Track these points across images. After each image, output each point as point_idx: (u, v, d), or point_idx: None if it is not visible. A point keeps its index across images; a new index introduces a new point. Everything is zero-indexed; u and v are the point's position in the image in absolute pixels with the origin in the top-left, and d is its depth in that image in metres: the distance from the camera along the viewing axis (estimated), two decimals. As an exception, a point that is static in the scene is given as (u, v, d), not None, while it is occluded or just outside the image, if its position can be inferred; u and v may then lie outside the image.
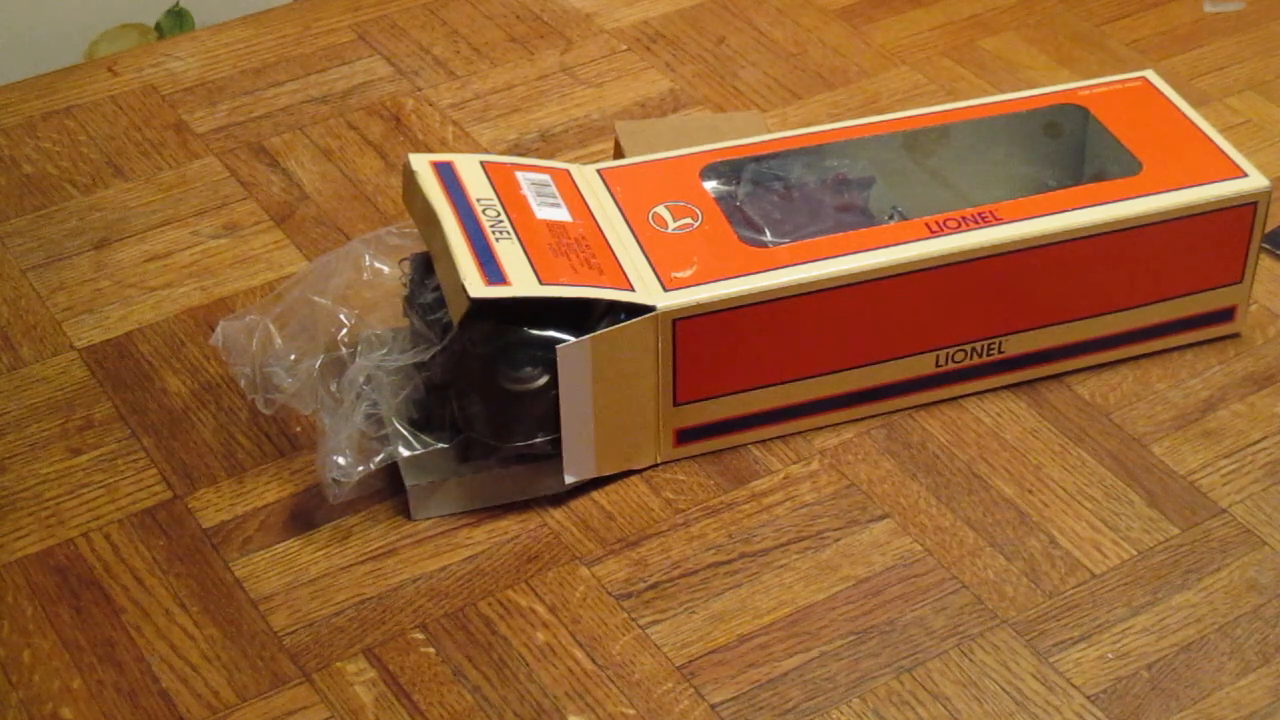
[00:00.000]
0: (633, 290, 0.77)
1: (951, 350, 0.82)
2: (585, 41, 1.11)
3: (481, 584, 0.76)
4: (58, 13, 1.10)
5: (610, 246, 0.79)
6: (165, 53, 1.11)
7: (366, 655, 0.73)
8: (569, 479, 0.79)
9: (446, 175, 0.81)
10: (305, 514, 0.79)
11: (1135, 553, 0.77)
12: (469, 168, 0.82)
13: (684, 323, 0.77)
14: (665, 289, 0.77)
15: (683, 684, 0.72)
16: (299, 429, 0.83)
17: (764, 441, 0.82)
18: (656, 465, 0.81)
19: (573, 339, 0.75)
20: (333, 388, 0.78)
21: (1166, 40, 1.11)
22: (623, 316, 0.76)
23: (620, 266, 0.78)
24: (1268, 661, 0.72)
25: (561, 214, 0.81)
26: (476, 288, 0.74)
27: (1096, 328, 0.84)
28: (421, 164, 0.82)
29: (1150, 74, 0.90)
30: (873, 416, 0.83)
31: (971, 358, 0.83)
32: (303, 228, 0.96)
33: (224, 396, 0.85)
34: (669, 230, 0.81)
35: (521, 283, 0.75)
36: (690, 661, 0.72)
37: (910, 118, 0.88)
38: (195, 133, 1.03)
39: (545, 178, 0.83)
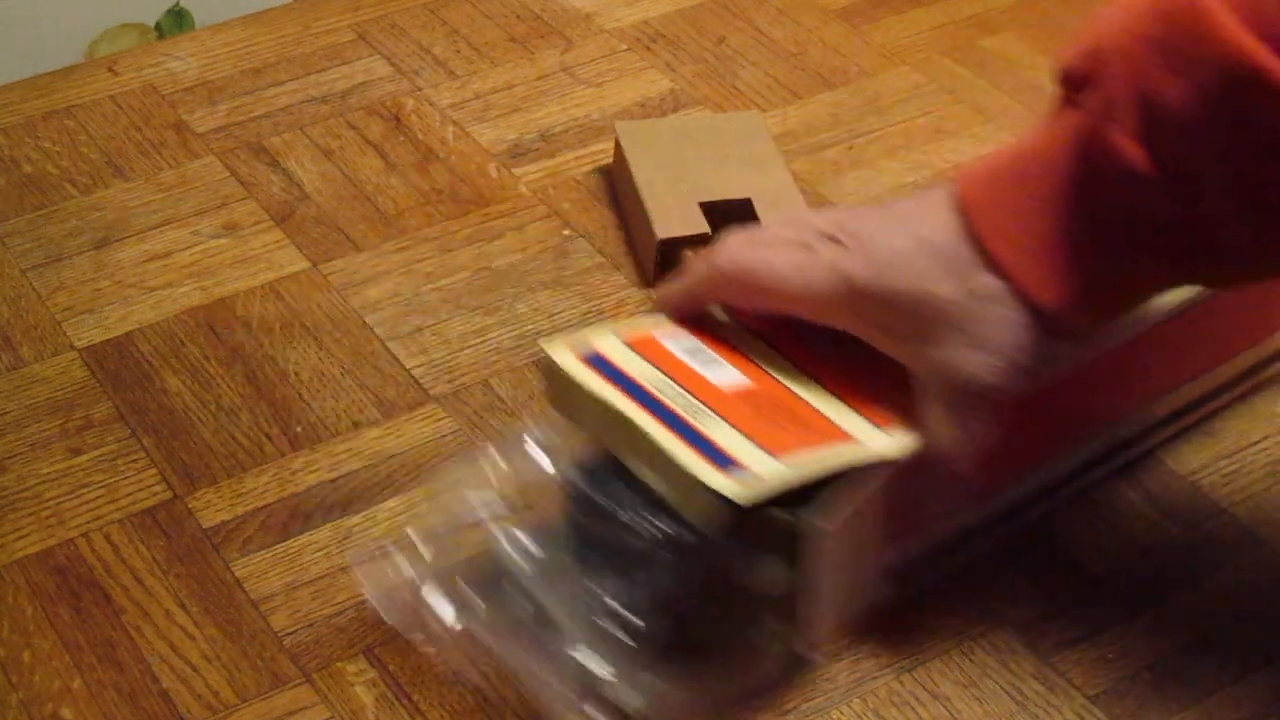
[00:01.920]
0: (858, 442, 0.69)
1: None
2: (585, 41, 1.11)
3: (482, 584, 0.76)
4: (58, 13, 1.10)
5: (801, 398, 0.71)
6: (165, 53, 1.11)
7: (367, 655, 0.73)
8: (811, 655, 0.72)
9: (599, 364, 0.71)
10: (305, 514, 0.79)
11: (1136, 553, 0.77)
12: (614, 348, 0.72)
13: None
14: (879, 428, 0.70)
15: (684, 683, 0.72)
16: (299, 429, 0.83)
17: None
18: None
19: (816, 517, 0.66)
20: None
21: (1167, 40, 1.11)
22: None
23: (827, 418, 0.70)
24: (1269, 662, 0.72)
25: (733, 374, 0.72)
26: (732, 488, 0.64)
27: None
28: (567, 359, 0.71)
29: None
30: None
31: None
32: (303, 228, 0.96)
33: (224, 396, 0.85)
34: (839, 364, 0.73)
35: (763, 466, 0.66)
36: (689, 661, 0.72)
37: None
38: (195, 133, 1.03)
39: (694, 342, 0.73)
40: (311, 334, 0.89)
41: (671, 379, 0.70)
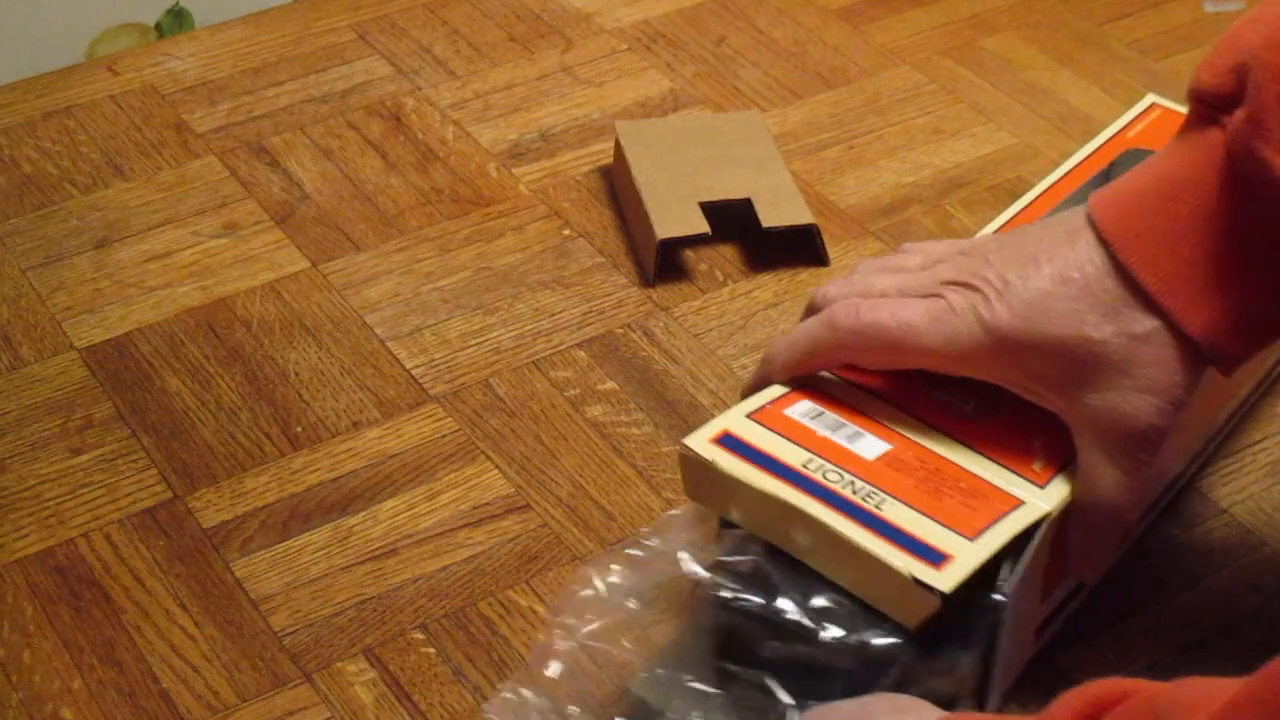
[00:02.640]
0: (1025, 503, 0.66)
1: None
2: (585, 41, 1.11)
3: (481, 584, 0.76)
4: (58, 13, 1.10)
5: (948, 459, 0.68)
6: (165, 53, 1.11)
7: (367, 655, 0.73)
8: None
9: (738, 448, 0.67)
10: (305, 514, 0.79)
11: (1136, 553, 0.77)
12: (747, 429, 0.68)
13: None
14: (1033, 482, 0.67)
15: (683, 684, 0.72)
16: (299, 429, 0.83)
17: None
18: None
19: (997, 588, 0.64)
20: None
21: (1166, 40, 1.11)
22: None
23: (984, 479, 0.67)
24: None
25: (875, 443, 0.68)
26: (937, 577, 0.62)
27: None
28: (706, 447, 0.67)
29: (1153, 96, 0.89)
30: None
31: None
32: (303, 228, 0.96)
33: (224, 396, 0.85)
34: (970, 415, 0.70)
35: (955, 548, 0.63)
36: (690, 662, 0.72)
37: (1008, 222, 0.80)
38: (195, 133, 1.03)
39: (818, 408, 0.70)
40: (311, 334, 0.89)
41: (818, 455, 0.67)
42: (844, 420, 0.69)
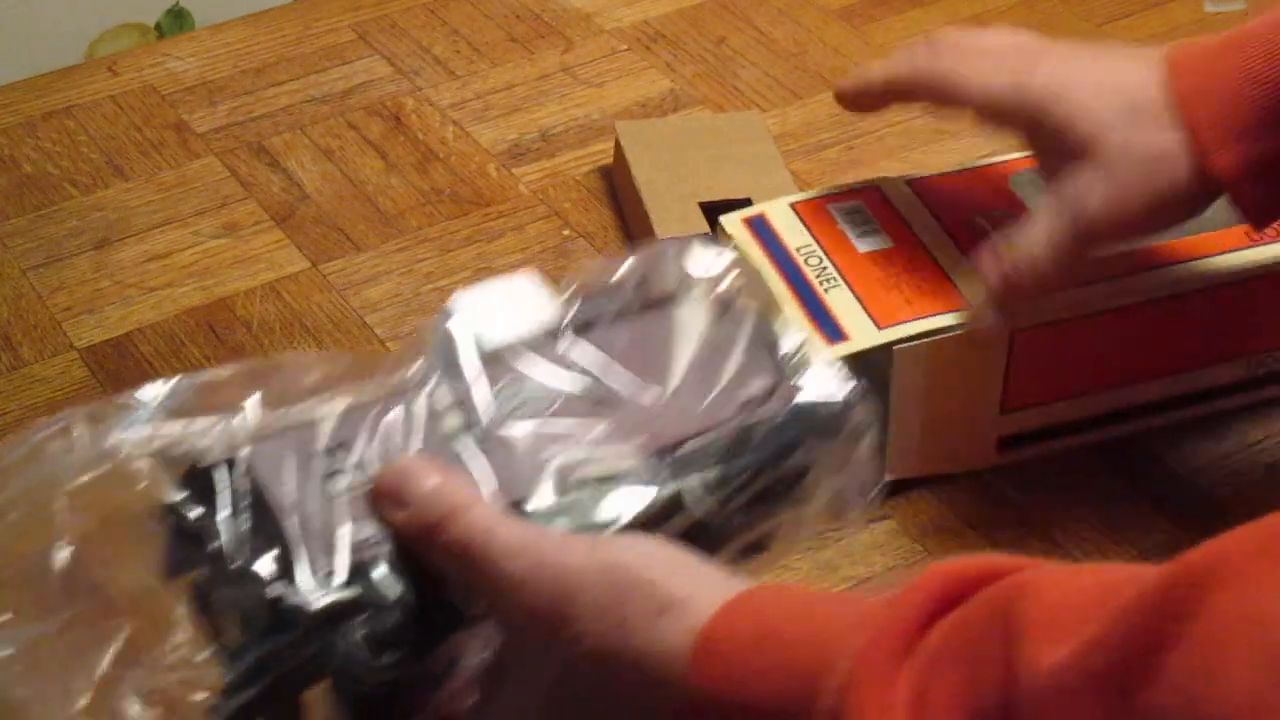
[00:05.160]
0: (963, 309, 0.76)
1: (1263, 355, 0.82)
2: (585, 41, 1.11)
3: (481, 584, 0.76)
4: (58, 13, 1.10)
5: (937, 265, 0.78)
6: (165, 53, 1.11)
7: (366, 655, 0.73)
8: (889, 476, 0.77)
9: (760, 229, 0.81)
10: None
11: (1135, 552, 0.77)
12: (779, 215, 0.82)
13: (1022, 334, 0.76)
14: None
15: (683, 684, 0.71)
16: (299, 429, 0.83)
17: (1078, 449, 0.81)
18: (978, 471, 0.80)
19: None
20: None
21: (1167, 40, 1.10)
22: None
23: (952, 285, 0.77)
24: (1268, 662, 0.72)
25: (883, 242, 0.80)
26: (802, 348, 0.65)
27: None
28: (735, 224, 0.81)
29: None
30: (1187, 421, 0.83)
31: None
32: (303, 228, 0.96)
33: (224, 396, 0.85)
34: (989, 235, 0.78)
35: (860, 332, 0.75)
36: (690, 662, 0.72)
37: None
38: (195, 133, 1.03)
39: (858, 204, 0.81)
40: (311, 334, 0.89)
41: (818, 243, 0.79)
42: (871, 218, 0.80)
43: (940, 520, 0.78)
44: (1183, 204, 0.71)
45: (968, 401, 0.78)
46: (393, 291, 0.92)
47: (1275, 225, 0.79)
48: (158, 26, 1.14)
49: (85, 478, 0.58)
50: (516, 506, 0.57)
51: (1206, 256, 0.79)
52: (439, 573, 0.56)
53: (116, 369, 0.87)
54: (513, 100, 1.06)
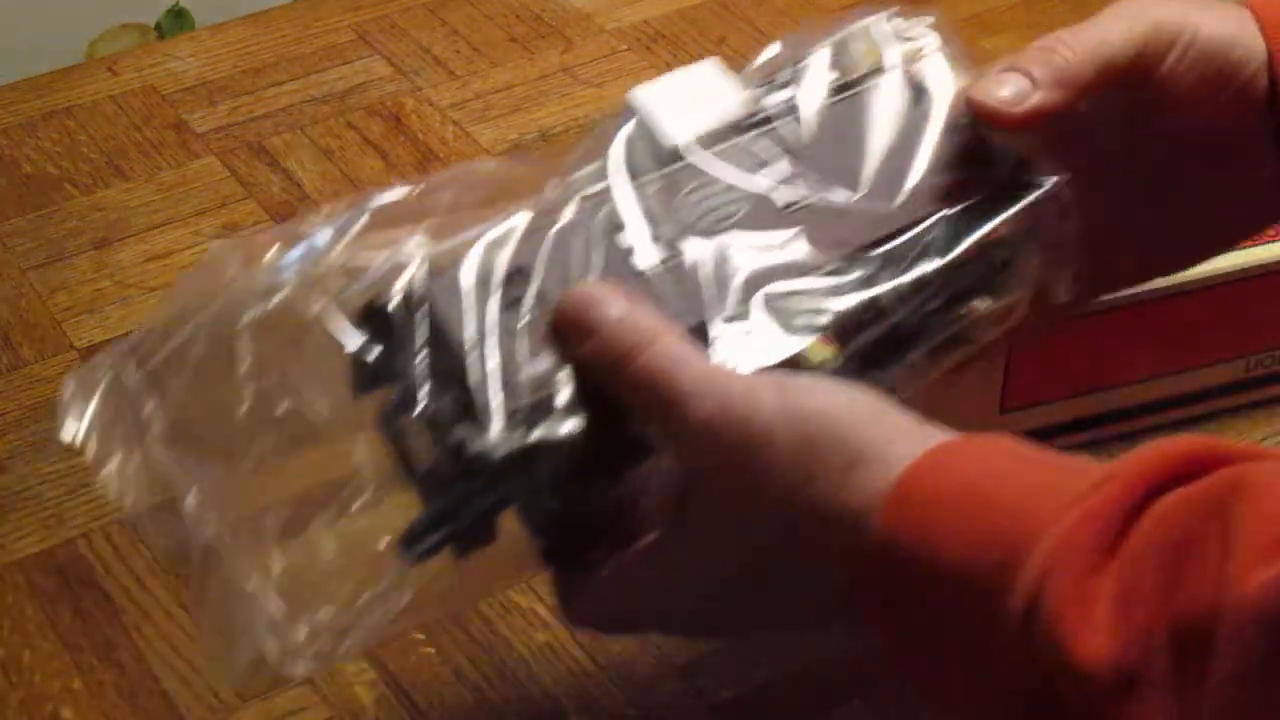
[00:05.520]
0: None
1: (1261, 356, 0.82)
2: (585, 41, 1.11)
3: (482, 584, 0.76)
4: (58, 13, 1.10)
5: None
6: (165, 53, 1.11)
7: (367, 655, 0.73)
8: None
9: None
10: (305, 514, 0.79)
11: (1136, 553, 0.77)
12: None
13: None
14: None
15: (683, 684, 0.72)
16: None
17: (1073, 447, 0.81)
18: None
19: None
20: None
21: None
22: None
23: None
24: (1268, 662, 0.72)
25: None
26: None
27: None
28: None
29: None
30: (1184, 422, 0.82)
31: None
32: (303, 228, 0.96)
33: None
34: None
35: None
36: (691, 662, 0.72)
37: None
38: (195, 133, 1.03)
39: None
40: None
41: None
42: None
43: (940, 520, 0.78)
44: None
45: (967, 401, 0.78)
46: (393, 291, 0.92)
47: (1275, 225, 0.79)
48: (158, 26, 1.14)
49: (264, 309, 0.56)
50: (702, 325, 0.55)
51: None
52: (622, 406, 0.55)
53: (116, 369, 0.87)
54: (513, 100, 1.06)
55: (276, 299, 0.56)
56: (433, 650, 0.73)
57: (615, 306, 0.54)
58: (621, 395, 0.54)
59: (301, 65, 1.09)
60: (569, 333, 0.55)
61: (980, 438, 0.51)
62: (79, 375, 0.59)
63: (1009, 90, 0.60)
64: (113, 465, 0.58)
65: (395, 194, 0.59)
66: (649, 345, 0.54)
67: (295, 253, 0.57)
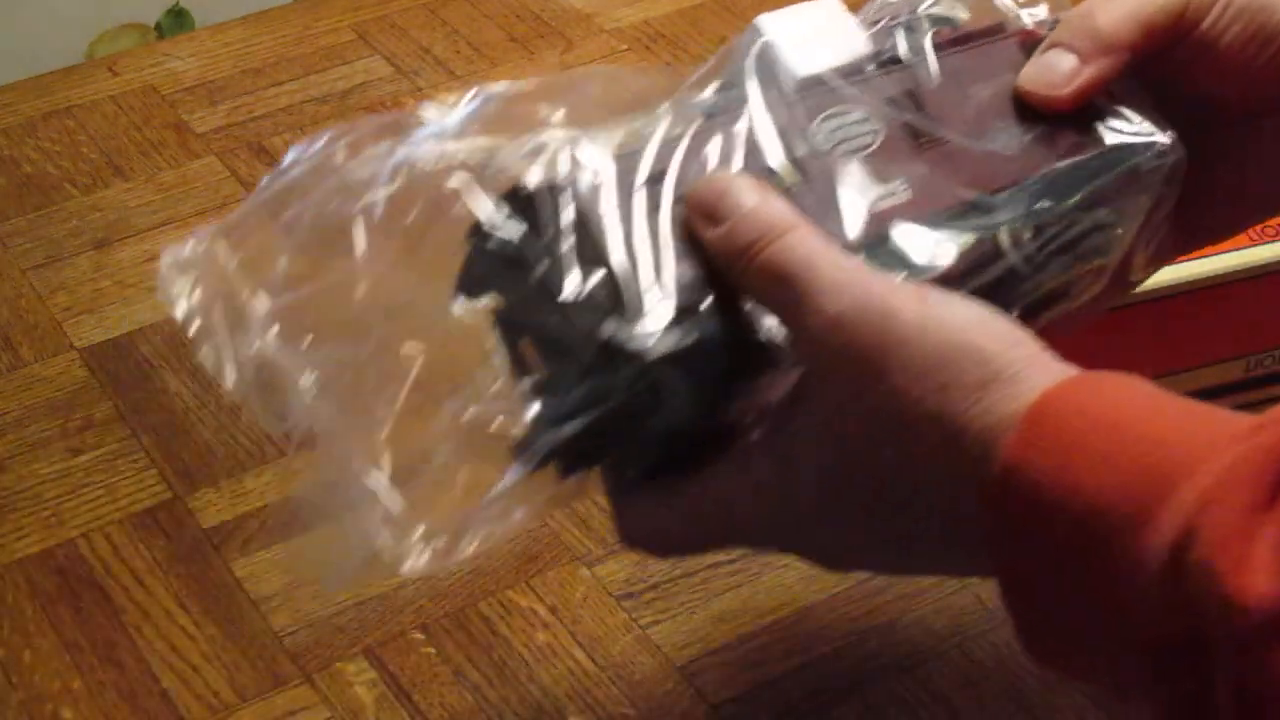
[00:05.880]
0: None
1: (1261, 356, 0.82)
2: (585, 41, 1.11)
3: (481, 584, 0.76)
4: (58, 13, 1.10)
5: None
6: (165, 53, 1.11)
7: (367, 655, 0.73)
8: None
9: None
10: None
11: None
12: None
13: None
14: None
15: (683, 684, 0.72)
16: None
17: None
18: None
19: None
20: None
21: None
22: None
23: None
24: (1268, 662, 0.72)
25: None
26: None
27: None
28: None
29: None
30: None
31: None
32: (303, 228, 0.96)
33: (224, 396, 0.85)
34: None
35: None
36: (691, 662, 0.72)
37: None
38: (195, 133, 1.03)
39: None
40: (311, 334, 0.89)
41: None
42: None
43: (940, 520, 0.78)
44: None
45: None
46: (393, 291, 0.92)
47: (1275, 225, 0.79)
48: (158, 26, 1.14)
49: (381, 192, 0.54)
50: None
51: (1206, 256, 0.79)
52: (752, 313, 0.53)
53: (116, 369, 0.87)
54: (513, 100, 1.06)
55: (398, 182, 0.54)
56: (433, 650, 0.73)
57: (749, 195, 0.53)
58: (750, 285, 0.52)
59: (301, 65, 1.09)
60: (700, 216, 0.53)
61: (1117, 374, 0.49)
62: (176, 253, 0.57)
63: (1056, 72, 0.59)
64: (211, 345, 0.55)
65: (513, 86, 0.57)
66: (784, 234, 0.52)
67: (423, 133, 0.56)
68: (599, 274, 0.53)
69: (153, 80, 1.08)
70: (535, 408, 0.54)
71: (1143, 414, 0.47)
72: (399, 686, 0.72)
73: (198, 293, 0.56)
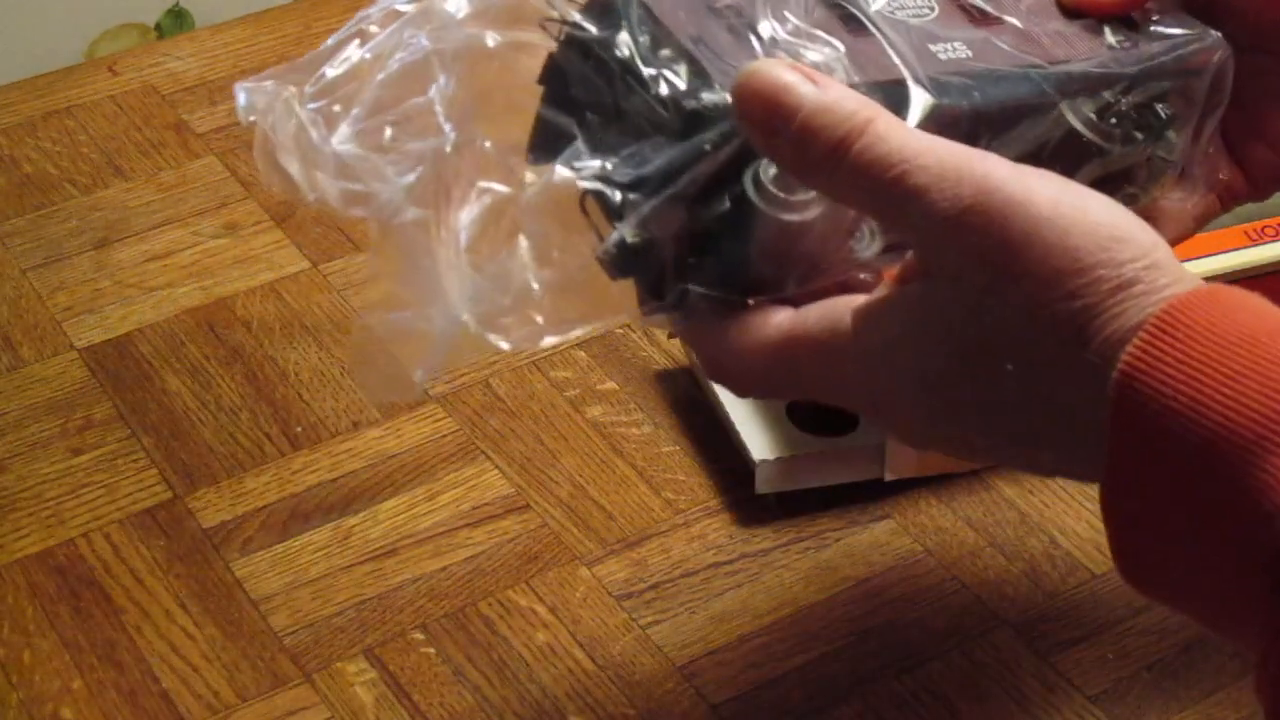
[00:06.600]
0: None
1: None
2: (585, 41, 1.11)
3: (481, 584, 0.76)
4: (58, 13, 1.10)
5: None
6: (165, 53, 1.11)
7: (367, 655, 0.73)
8: (889, 476, 0.77)
9: None
10: (305, 514, 0.79)
11: (1135, 553, 0.77)
12: None
13: None
14: None
15: (683, 684, 0.72)
16: (299, 429, 0.83)
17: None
18: (978, 471, 0.79)
19: None
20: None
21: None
22: None
23: None
24: (1268, 662, 0.72)
25: None
26: None
27: None
28: None
29: None
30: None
31: None
32: (303, 228, 0.96)
33: (224, 396, 0.85)
34: None
35: None
36: (691, 662, 0.73)
37: None
38: (195, 133, 1.03)
39: None
40: (311, 334, 0.89)
41: None
42: None
43: (940, 520, 0.78)
44: None
45: None
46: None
47: (1276, 224, 0.79)
48: (158, 26, 1.14)
49: (470, 34, 0.53)
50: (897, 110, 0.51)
51: (1206, 256, 0.79)
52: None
53: (116, 369, 0.87)
54: (513, 100, 1.06)
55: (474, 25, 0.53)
56: (433, 650, 0.73)
57: (806, 89, 0.48)
58: (843, 192, 0.49)
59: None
60: (758, 131, 0.49)
61: (1247, 291, 0.47)
62: (253, 91, 0.57)
63: None
64: (274, 153, 0.55)
65: None
66: (870, 126, 0.48)
67: None
68: (681, 66, 0.51)
69: (153, 80, 1.08)
70: (627, 176, 0.51)
71: (1275, 332, 0.45)
72: (399, 686, 0.72)
73: (271, 132, 0.56)
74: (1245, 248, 0.79)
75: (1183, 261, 0.77)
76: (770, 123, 0.48)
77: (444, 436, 0.83)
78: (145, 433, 0.84)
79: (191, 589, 0.76)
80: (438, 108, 0.53)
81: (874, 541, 0.78)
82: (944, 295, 0.49)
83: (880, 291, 0.51)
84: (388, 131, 0.53)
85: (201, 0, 1.14)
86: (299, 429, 0.84)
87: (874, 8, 0.56)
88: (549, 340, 0.52)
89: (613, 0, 0.54)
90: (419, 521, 0.79)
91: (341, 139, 0.54)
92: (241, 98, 0.56)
